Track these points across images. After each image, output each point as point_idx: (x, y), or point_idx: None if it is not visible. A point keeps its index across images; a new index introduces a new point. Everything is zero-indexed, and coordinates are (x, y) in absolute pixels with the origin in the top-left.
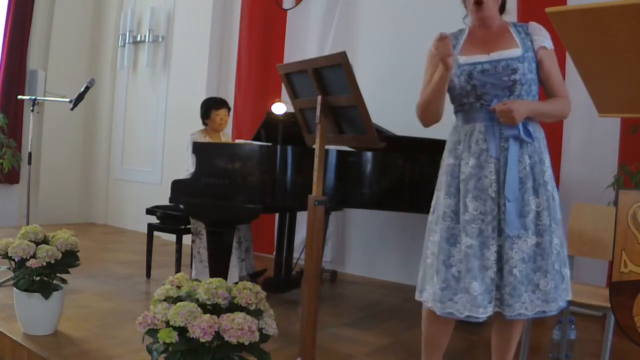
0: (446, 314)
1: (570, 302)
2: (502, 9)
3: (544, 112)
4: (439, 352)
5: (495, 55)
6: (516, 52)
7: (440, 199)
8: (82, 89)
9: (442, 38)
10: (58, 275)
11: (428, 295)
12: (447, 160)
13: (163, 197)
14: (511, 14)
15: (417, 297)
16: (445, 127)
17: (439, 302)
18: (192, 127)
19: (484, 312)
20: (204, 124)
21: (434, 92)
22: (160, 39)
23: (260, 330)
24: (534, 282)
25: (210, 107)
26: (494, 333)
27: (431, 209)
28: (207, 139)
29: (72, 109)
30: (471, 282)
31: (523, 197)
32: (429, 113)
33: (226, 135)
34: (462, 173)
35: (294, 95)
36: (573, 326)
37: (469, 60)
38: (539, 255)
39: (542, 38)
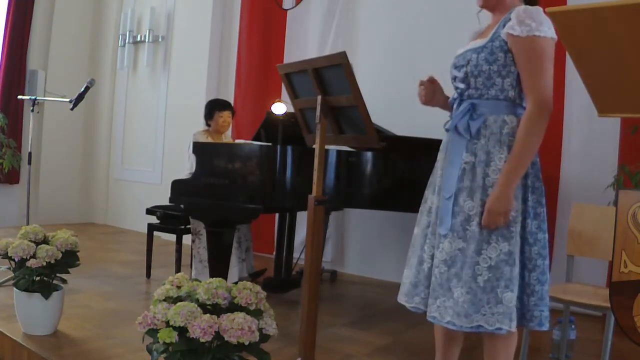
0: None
1: (570, 302)
2: None
3: (519, 164)
4: None
5: (468, 47)
6: (480, 42)
7: None
8: (82, 89)
9: (421, 84)
10: (58, 275)
11: None
12: None
13: (163, 197)
14: None
15: None
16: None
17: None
18: (192, 127)
19: (407, 302)
20: (207, 124)
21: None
22: (160, 39)
23: (260, 330)
24: (450, 289)
25: (214, 108)
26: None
27: None
28: (208, 140)
29: (72, 109)
30: (406, 269)
31: (457, 197)
32: None
33: (228, 138)
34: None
35: (294, 95)
36: (573, 326)
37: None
38: (461, 261)
39: (513, 24)
